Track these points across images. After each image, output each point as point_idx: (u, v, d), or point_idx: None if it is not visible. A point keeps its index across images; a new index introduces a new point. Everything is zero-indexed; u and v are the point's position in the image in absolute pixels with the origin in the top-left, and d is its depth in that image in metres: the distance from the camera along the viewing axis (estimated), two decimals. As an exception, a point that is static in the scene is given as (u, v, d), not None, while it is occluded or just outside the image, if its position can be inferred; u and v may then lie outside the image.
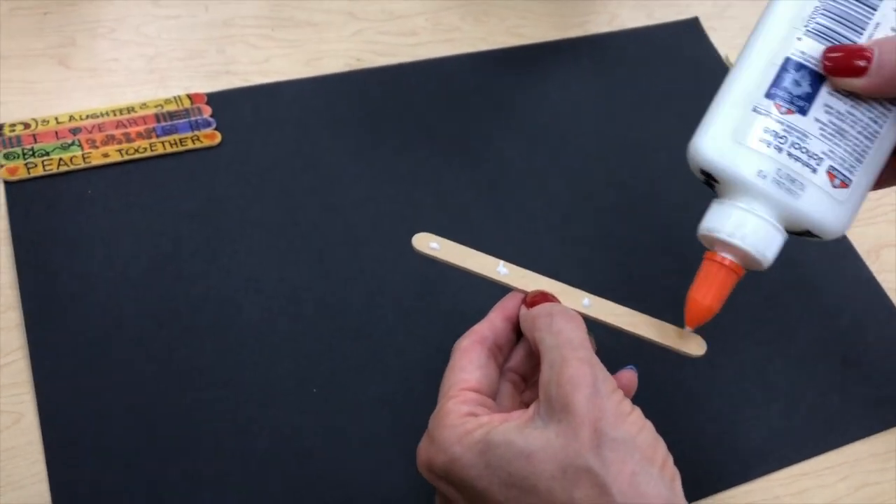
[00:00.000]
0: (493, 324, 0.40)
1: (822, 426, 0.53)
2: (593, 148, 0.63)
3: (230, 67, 0.62)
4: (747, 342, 0.55)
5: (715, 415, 0.52)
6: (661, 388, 0.52)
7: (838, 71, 0.35)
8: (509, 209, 0.58)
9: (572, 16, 0.72)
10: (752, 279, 0.58)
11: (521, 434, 0.33)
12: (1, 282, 0.49)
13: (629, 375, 0.39)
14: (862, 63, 0.34)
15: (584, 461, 0.31)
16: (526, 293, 0.41)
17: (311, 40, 0.65)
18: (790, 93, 0.36)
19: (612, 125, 0.65)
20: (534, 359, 0.40)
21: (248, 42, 0.64)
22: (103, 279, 0.50)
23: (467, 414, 0.36)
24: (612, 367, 0.37)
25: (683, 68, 0.70)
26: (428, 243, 0.42)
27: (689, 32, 0.73)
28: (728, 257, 0.38)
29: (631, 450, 0.32)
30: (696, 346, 0.40)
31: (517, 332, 0.41)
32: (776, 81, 0.37)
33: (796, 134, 0.36)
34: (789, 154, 0.36)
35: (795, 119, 0.36)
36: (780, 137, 0.36)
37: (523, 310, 0.40)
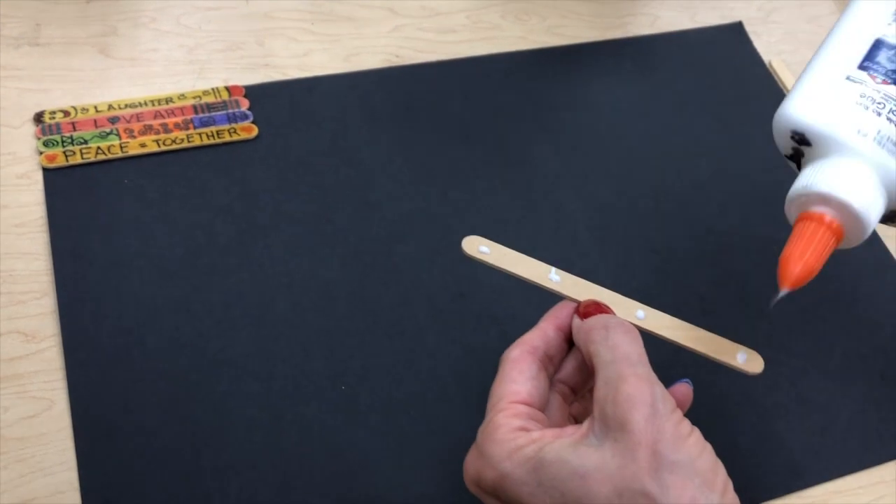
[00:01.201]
0: (544, 333, 0.39)
1: (858, 443, 0.52)
2: (633, 151, 0.62)
3: (269, 60, 0.62)
4: (782, 355, 0.54)
5: (746, 429, 0.51)
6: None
7: None
8: (546, 211, 0.58)
9: (613, 16, 0.71)
10: (790, 292, 0.57)
11: (575, 452, 0.32)
12: (37, 268, 0.50)
13: (684, 389, 0.38)
14: None
15: (642, 485, 0.30)
16: (578, 302, 0.40)
17: (351, 35, 0.65)
18: (884, 66, 0.36)
19: (653, 129, 0.64)
20: (585, 371, 0.39)
21: (287, 35, 0.64)
22: (137, 269, 0.50)
23: (518, 428, 0.34)
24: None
25: (726, 73, 0.68)
26: (478, 247, 0.41)
27: (733, 37, 0.71)
28: (828, 212, 0.36)
29: (691, 474, 0.31)
30: (754, 364, 0.39)
31: (568, 342, 0.40)
32: (869, 55, 0.36)
33: (894, 101, 0.35)
34: (888, 119, 0.35)
35: (891, 89, 0.35)
36: (878, 103, 0.35)
37: (576, 321, 0.39)
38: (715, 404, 0.51)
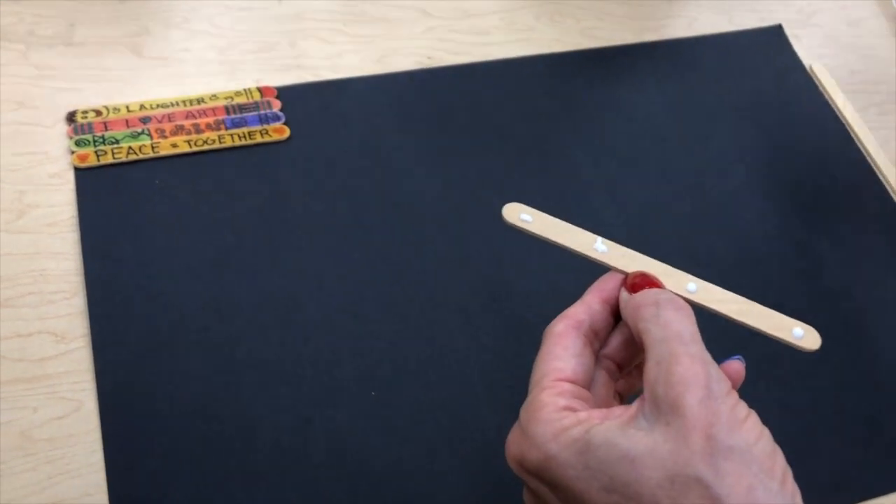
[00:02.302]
0: (589, 307, 0.36)
1: (902, 459, 0.50)
2: (669, 155, 0.61)
3: (301, 61, 0.61)
4: (823, 366, 0.53)
5: (786, 441, 0.49)
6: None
7: None
8: (580, 216, 0.56)
9: (650, 19, 0.70)
10: (829, 299, 0.55)
11: (624, 435, 0.31)
12: (67, 268, 0.50)
13: (736, 366, 0.35)
14: None
15: (696, 471, 0.29)
16: (626, 274, 0.37)
17: (383, 36, 0.64)
18: None
19: (690, 133, 0.62)
20: (632, 346, 0.37)
21: (319, 36, 0.63)
22: (167, 270, 0.50)
23: (564, 408, 0.33)
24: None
25: (766, 77, 0.67)
26: (519, 214, 0.39)
27: (772, 40, 0.70)
28: None
29: (748, 460, 0.29)
30: (811, 340, 0.37)
31: (615, 316, 0.37)
32: None
33: None
34: None
35: None
36: None
37: (624, 294, 0.36)
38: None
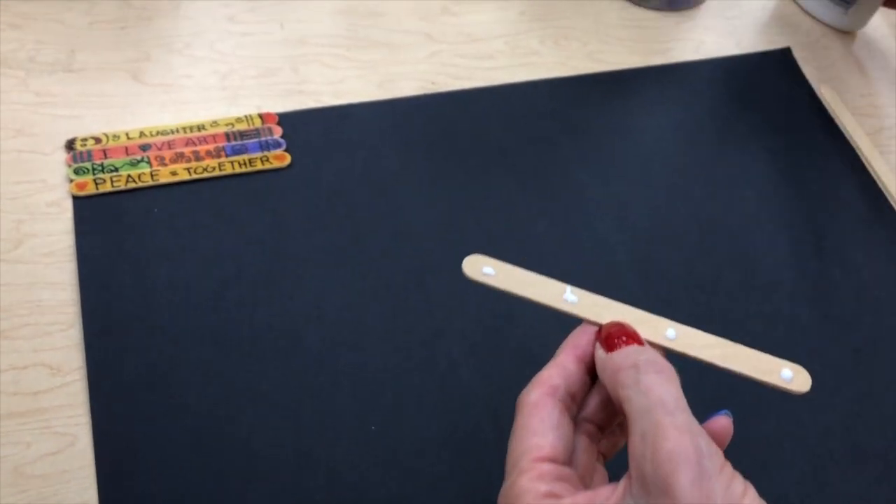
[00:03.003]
0: (563, 368, 0.35)
1: (917, 494, 0.49)
2: (676, 180, 0.60)
3: (303, 87, 0.61)
4: (836, 399, 0.51)
5: (799, 478, 0.48)
6: (737, 444, 0.48)
7: None
8: (585, 241, 0.56)
9: (656, 42, 0.69)
10: (841, 328, 0.54)
11: None
12: (64, 299, 0.49)
13: (724, 423, 0.34)
14: None
15: None
16: (600, 326, 0.36)
17: (386, 61, 0.64)
18: None
19: (697, 158, 0.62)
20: (611, 405, 0.35)
21: (322, 62, 0.63)
22: (166, 300, 0.49)
23: (546, 494, 0.31)
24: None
25: (774, 101, 0.66)
26: (481, 268, 0.37)
27: (781, 63, 0.69)
28: None
29: None
30: (800, 382, 0.35)
31: (591, 374, 0.35)
32: None
33: None
34: None
35: None
36: None
37: (600, 354, 0.34)
38: (762, 453, 0.49)
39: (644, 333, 0.35)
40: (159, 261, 0.51)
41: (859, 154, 0.64)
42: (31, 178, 0.53)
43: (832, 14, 0.72)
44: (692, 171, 0.61)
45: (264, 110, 0.58)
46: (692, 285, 0.55)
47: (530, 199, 0.57)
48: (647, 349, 0.34)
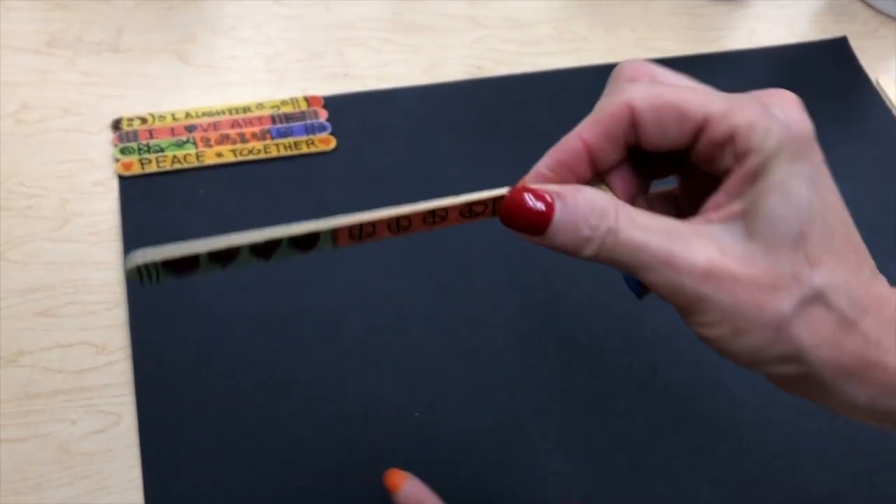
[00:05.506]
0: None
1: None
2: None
3: (348, 70, 0.60)
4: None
5: (850, 476, 0.47)
6: (786, 439, 0.47)
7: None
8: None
9: (707, 30, 0.68)
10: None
11: None
12: (108, 278, 0.49)
13: None
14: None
15: None
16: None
17: (432, 46, 0.63)
18: None
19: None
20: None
21: (367, 45, 0.62)
22: (210, 282, 0.49)
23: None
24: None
25: (829, 91, 0.64)
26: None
27: (836, 53, 0.67)
28: None
29: None
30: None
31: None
32: None
33: None
34: None
35: None
36: None
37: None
38: (814, 450, 0.47)
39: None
40: (204, 242, 0.50)
41: (917, 147, 0.62)
42: (78, 158, 0.53)
43: (890, 3, 0.70)
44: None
45: (309, 93, 0.58)
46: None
47: (577, 187, 0.56)
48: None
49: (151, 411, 0.44)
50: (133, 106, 0.56)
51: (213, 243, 0.27)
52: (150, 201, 0.52)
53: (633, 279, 0.29)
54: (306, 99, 0.57)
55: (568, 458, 0.46)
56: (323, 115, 0.56)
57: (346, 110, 0.57)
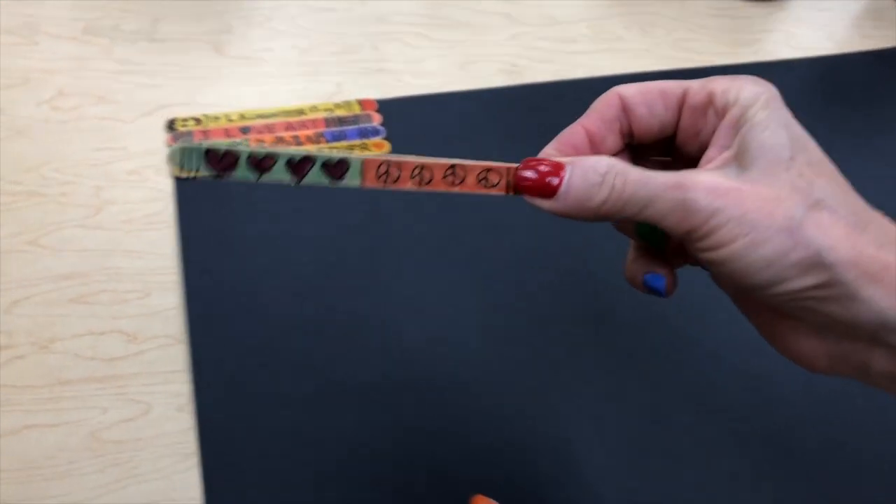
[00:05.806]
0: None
1: None
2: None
3: (383, 65, 0.60)
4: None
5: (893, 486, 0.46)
6: (830, 452, 0.46)
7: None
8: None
9: (745, 32, 0.67)
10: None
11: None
12: (140, 267, 0.49)
13: None
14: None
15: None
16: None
17: (467, 42, 0.62)
18: None
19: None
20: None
21: (402, 40, 0.62)
22: (267, 285, 0.48)
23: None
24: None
25: (880, 101, 0.63)
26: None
27: (886, 63, 0.66)
28: None
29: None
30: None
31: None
32: None
33: None
34: None
35: None
36: None
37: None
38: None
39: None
40: (260, 245, 0.50)
41: (958, 156, 0.61)
42: (112, 146, 0.53)
43: (931, 9, 0.69)
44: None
45: (344, 87, 0.58)
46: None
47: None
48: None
49: (210, 415, 0.44)
50: (168, 96, 0.56)
51: (253, 148, 0.29)
52: (207, 202, 0.51)
53: (655, 275, 0.31)
54: (359, 102, 0.57)
55: (630, 472, 0.45)
56: (377, 119, 0.56)
57: (399, 114, 0.57)
